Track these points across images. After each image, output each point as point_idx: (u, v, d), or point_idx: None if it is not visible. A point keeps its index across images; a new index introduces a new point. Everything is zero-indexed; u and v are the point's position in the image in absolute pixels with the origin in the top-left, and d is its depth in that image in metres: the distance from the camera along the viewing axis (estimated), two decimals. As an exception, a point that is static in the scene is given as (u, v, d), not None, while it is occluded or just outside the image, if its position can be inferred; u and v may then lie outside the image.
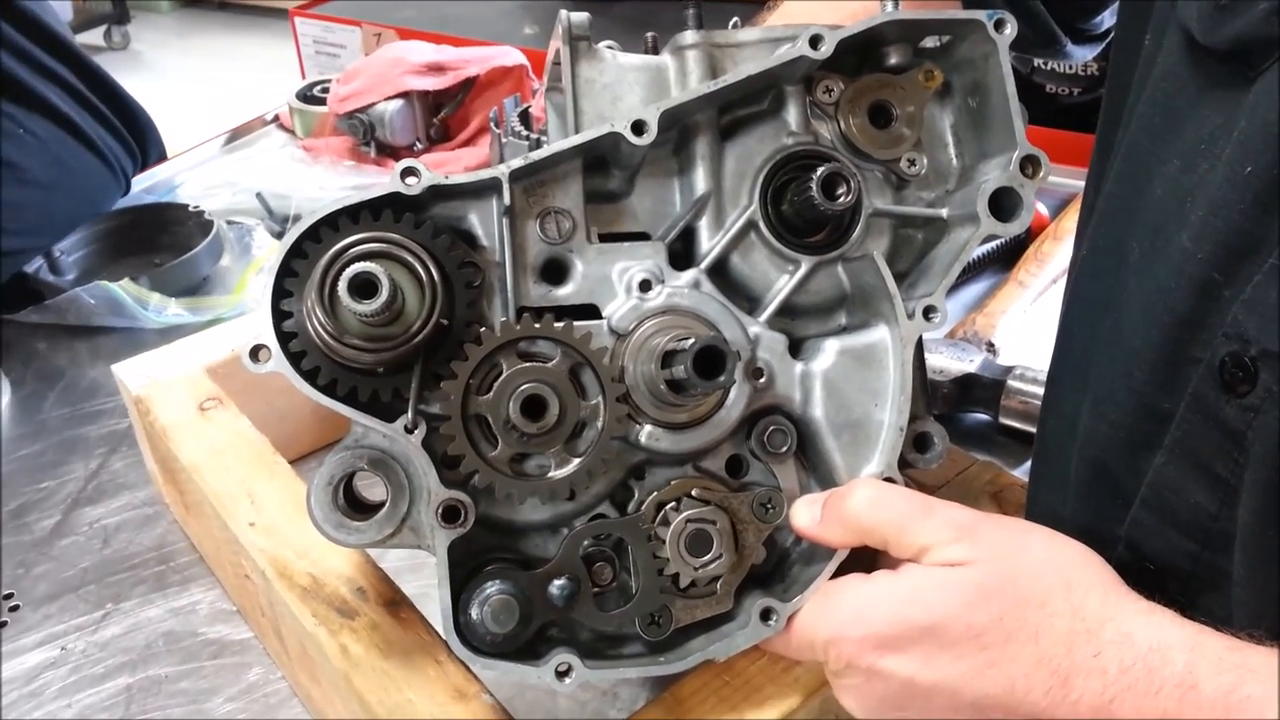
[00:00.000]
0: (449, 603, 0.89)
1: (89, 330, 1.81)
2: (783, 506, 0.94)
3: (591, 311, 0.94)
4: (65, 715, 1.17)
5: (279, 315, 0.87)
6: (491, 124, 1.84)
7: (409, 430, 0.89)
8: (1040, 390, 1.39)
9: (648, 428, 0.92)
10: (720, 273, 0.98)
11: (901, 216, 1.01)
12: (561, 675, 0.89)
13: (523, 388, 0.87)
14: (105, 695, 1.19)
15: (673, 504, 0.93)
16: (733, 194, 0.98)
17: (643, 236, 0.98)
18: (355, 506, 0.93)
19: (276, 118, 2.58)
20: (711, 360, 0.83)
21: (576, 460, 0.89)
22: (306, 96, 2.48)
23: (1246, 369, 0.78)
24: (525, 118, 1.79)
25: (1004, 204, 0.96)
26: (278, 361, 0.86)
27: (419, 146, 2.34)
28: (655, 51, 1.02)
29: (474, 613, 0.89)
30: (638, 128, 0.91)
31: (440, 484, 0.89)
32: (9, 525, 1.42)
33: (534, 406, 0.87)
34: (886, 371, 0.96)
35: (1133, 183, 0.93)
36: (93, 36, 7.31)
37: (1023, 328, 1.67)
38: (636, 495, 0.95)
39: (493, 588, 0.89)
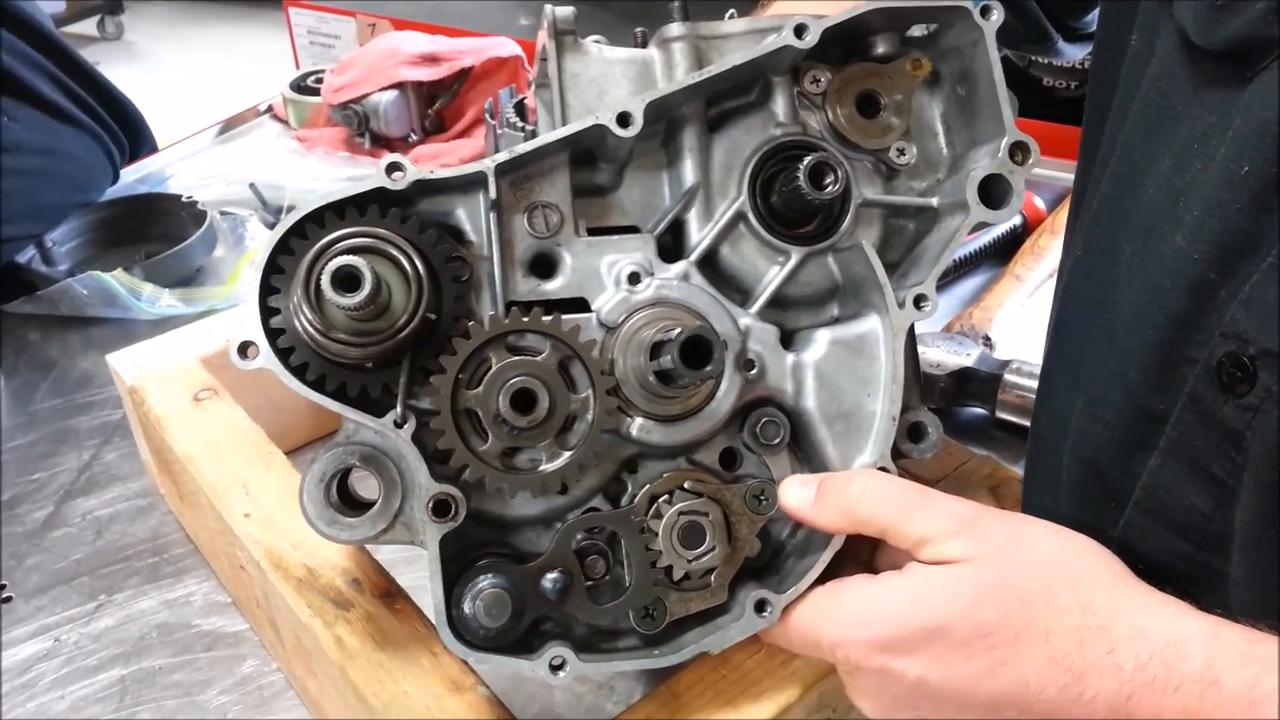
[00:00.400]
0: (441, 597, 0.89)
1: (81, 321, 1.80)
2: (776, 499, 0.94)
3: (581, 305, 0.94)
4: (58, 707, 1.17)
5: (267, 311, 0.87)
6: (487, 115, 1.84)
7: (398, 425, 0.89)
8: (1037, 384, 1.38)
9: (639, 420, 0.92)
10: (710, 265, 0.98)
11: (891, 206, 1.01)
12: (556, 669, 0.90)
13: (512, 381, 0.86)
14: (99, 687, 1.19)
15: (665, 496, 0.93)
16: (721, 186, 0.98)
17: (632, 230, 0.98)
18: (348, 502, 0.94)
19: (270, 108, 2.57)
20: (699, 350, 0.83)
21: (567, 453, 0.89)
22: (301, 87, 2.47)
23: (1245, 369, 0.78)
24: (520, 109, 1.79)
25: (994, 191, 0.96)
26: (266, 358, 0.86)
27: (414, 138, 2.34)
28: (643, 46, 1.02)
29: (467, 607, 0.89)
30: (623, 120, 0.91)
31: (431, 479, 0.89)
32: (2, 516, 1.41)
33: (524, 400, 0.87)
34: (878, 361, 0.96)
35: (1125, 183, 0.93)
36: (86, 26, 7.29)
37: (1019, 322, 1.66)
38: (629, 488, 0.95)
39: (485, 582, 0.90)
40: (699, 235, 0.97)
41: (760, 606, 0.92)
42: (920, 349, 1.17)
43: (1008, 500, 1.16)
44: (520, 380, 0.87)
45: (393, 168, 0.88)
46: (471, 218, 0.93)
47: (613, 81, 0.98)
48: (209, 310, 1.79)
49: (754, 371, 0.95)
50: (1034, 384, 1.44)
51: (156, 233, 2.04)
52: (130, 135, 2.20)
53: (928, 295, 0.95)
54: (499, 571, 0.90)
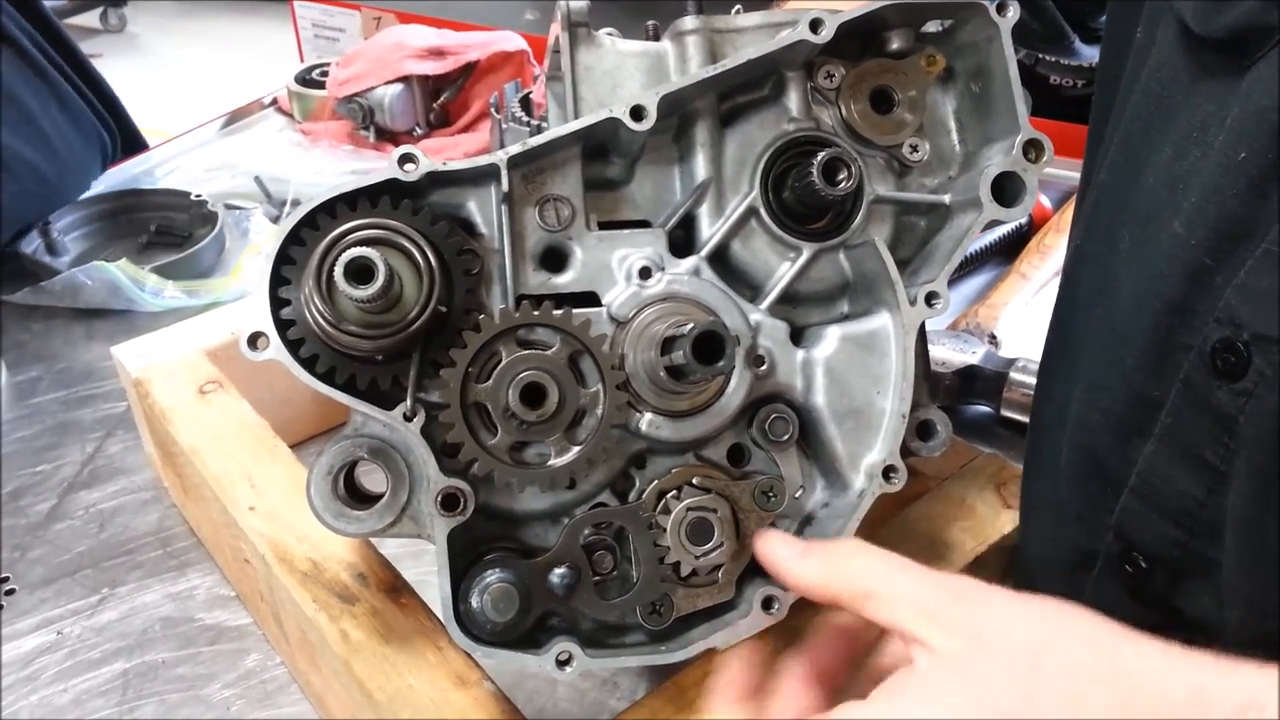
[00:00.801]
0: (449, 592, 0.89)
1: (85, 313, 1.80)
2: (784, 495, 0.94)
3: (591, 299, 0.94)
4: (61, 700, 1.16)
5: (277, 303, 0.87)
6: (492, 109, 1.83)
7: (408, 418, 0.88)
8: (1039, 379, 1.38)
9: (648, 416, 0.92)
10: (721, 260, 0.97)
11: (903, 203, 1.00)
12: (562, 664, 0.89)
13: (522, 375, 0.86)
14: (101, 680, 1.18)
15: (674, 492, 0.93)
16: (733, 181, 0.98)
17: (643, 224, 0.97)
18: (355, 496, 0.93)
19: (275, 101, 2.57)
20: (711, 345, 0.82)
21: (576, 448, 0.89)
22: (305, 80, 2.47)
23: (1239, 354, 0.78)
24: (526, 103, 1.78)
25: (1007, 189, 0.95)
26: (276, 349, 0.86)
27: (418, 131, 2.33)
28: (656, 39, 1.01)
29: (474, 601, 0.89)
30: (636, 113, 0.90)
31: (440, 472, 0.89)
32: (4, 509, 1.41)
33: (533, 394, 0.86)
34: (888, 358, 0.96)
35: (1125, 172, 0.93)
36: (89, 19, 7.29)
37: (1025, 320, 1.66)
38: (637, 484, 0.94)
39: (493, 576, 0.89)
40: (710, 230, 0.97)
41: (768, 603, 0.92)
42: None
43: (1014, 498, 1.15)
44: (530, 374, 0.86)
45: (405, 159, 0.88)
46: (483, 210, 0.93)
47: (626, 75, 0.97)
48: (213, 303, 1.78)
49: (764, 367, 0.95)
50: (1038, 381, 1.44)
51: (162, 228, 2.03)
52: (124, 132, 2.20)
53: (939, 292, 0.94)
54: (506, 566, 0.90)
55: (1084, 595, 0.97)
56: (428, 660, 0.96)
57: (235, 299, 1.77)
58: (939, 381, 1.50)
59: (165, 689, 1.17)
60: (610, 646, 0.94)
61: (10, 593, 1.29)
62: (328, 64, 2.44)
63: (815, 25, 0.93)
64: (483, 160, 0.90)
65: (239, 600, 1.28)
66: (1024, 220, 1.93)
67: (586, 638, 0.93)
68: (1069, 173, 1.99)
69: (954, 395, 1.52)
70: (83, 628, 1.25)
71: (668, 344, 0.86)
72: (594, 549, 0.92)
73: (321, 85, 2.39)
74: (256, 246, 1.92)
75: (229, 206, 2.02)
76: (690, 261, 0.95)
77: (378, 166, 0.87)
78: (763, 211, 0.97)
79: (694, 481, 0.93)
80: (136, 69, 6.23)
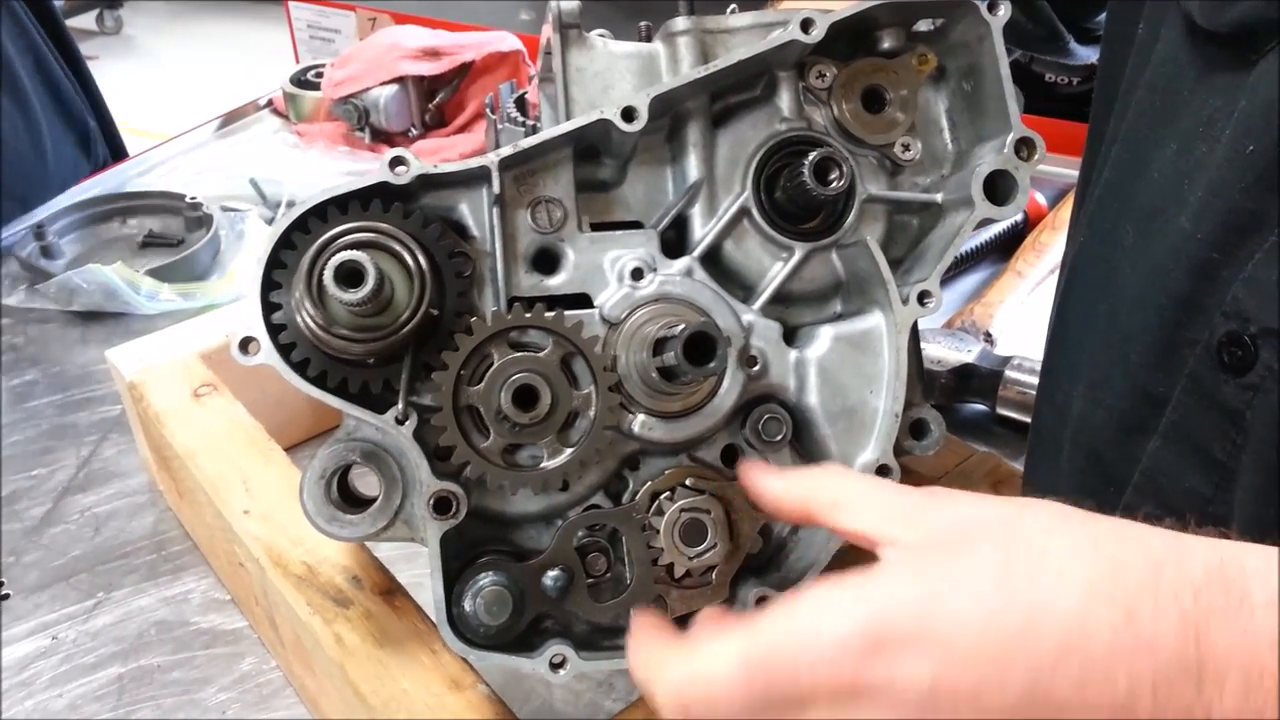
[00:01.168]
0: (442, 595, 0.89)
1: (80, 316, 1.80)
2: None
3: (583, 301, 0.94)
4: (56, 705, 1.16)
5: (268, 307, 0.86)
6: (487, 110, 1.83)
7: (400, 421, 0.88)
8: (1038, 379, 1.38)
9: (641, 417, 0.92)
10: (713, 261, 0.97)
11: (896, 202, 1.00)
12: (556, 667, 0.89)
13: (514, 377, 0.86)
14: (96, 685, 1.18)
15: (667, 493, 0.92)
16: (725, 181, 0.98)
17: (635, 225, 0.97)
18: (349, 499, 0.93)
19: (270, 102, 2.57)
20: (702, 346, 0.82)
21: (569, 450, 0.89)
22: (300, 81, 2.46)
23: (1246, 348, 0.78)
24: (521, 104, 1.78)
25: (999, 187, 0.95)
26: (267, 353, 0.86)
27: (414, 132, 2.33)
28: (648, 40, 1.01)
29: (467, 605, 0.89)
30: (628, 114, 0.90)
31: (432, 475, 0.88)
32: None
33: (526, 396, 0.86)
34: (881, 358, 0.95)
35: (1129, 168, 0.93)
36: (85, 20, 7.28)
37: (1021, 318, 1.66)
38: (630, 485, 0.94)
39: (486, 579, 0.89)
40: (702, 231, 0.97)
41: (762, 603, 0.91)
42: (921, 345, 1.16)
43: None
44: (522, 376, 0.86)
45: (396, 162, 0.88)
46: (474, 213, 0.93)
47: (617, 76, 0.97)
48: (208, 305, 1.78)
49: (756, 368, 0.95)
50: (1035, 380, 1.44)
51: (157, 230, 2.03)
52: (108, 139, 2.21)
53: (932, 291, 0.94)
54: (499, 569, 0.90)
55: None
56: (422, 663, 0.96)
57: (230, 302, 1.76)
58: (934, 380, 1.50)
59: (160, 693, 1.17)
60: (604, 649, 0.94)
61: (5, 597, 1.29)
62: (323, 65, 2.44)
63: (806, 25, 0.93)
64: (474, 162, 0.90)
65: (234, 604, 1.27)
66: (1019, 218, 1.93)
67: (580, 640, 0.93)
68: (1064, 170, 2.00)
69: (949, 394, 1.52)
70: (78, 632, 1.24)
71: (659, 345, 0.86)
72: (587, 551, 0.92)
73: (317, 86, 2.39)
74: (252, 249, 1.92)
75: (224, 209, 2.02)
76: (683, 262, 0.95)
77: (373, 168, 0.87)
78: (755, 212, 0.97)
79: (687, 483, 0.93)
80: (132, 71, 6.24)
